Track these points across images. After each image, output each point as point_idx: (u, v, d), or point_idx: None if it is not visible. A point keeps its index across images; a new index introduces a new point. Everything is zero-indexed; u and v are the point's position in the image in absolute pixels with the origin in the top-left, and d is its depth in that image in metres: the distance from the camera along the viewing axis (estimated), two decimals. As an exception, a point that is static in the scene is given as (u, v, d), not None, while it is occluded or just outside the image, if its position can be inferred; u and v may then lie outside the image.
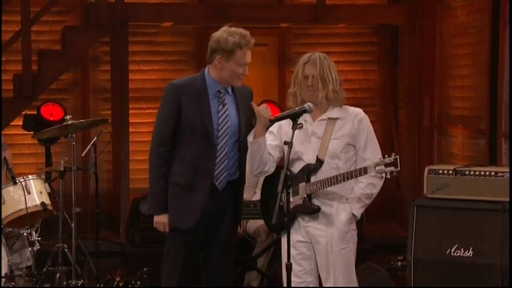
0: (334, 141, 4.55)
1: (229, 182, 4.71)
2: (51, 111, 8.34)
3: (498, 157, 7.45)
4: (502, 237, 5.68)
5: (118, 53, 8.64)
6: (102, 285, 6.51)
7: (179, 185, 4.66)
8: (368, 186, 4.56)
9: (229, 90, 4.75)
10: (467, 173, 5.88)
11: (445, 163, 7.88)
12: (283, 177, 4.62)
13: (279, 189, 4.55)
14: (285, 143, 4.65)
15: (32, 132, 7.83)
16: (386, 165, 4.41)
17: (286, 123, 4.63)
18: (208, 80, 4.70)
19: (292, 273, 4.49)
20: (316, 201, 4.59)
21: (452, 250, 5.82)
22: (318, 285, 4.65)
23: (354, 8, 9.16)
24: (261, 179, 6.51)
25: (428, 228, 5.82)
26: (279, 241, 6.31)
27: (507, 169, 5.90)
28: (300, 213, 4.63)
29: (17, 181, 6.08)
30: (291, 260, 4.44)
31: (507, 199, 5.72)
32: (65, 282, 6.34)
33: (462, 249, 5.80)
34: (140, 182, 8.79)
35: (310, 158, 4.60)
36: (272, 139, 4.68)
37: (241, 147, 4.71)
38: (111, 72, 8.91)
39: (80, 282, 6.38)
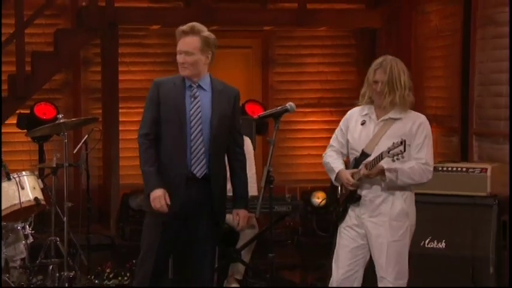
0: (387, 140, 4.51)
1: (204, 176, 4.66)
2: (44, 111, 8.32)
3: (469, 154, 7.51)
4: (473, 230, 5.72)
5: (108, 54, 8.62)
6: (93, 277, 6.50)
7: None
8: (414, 170, 4.53)
9: (206, 86, 4.71)
10: (440, 168, 5.93)
11: (419, 160, 7.92)
12: (265, 173, 4.66)
13: (262, 183, 4.59)
14: (268, 140, 4.70)
15: (25, 131, 7.80)
16: (396, 148, 4.41)
17: (353, 120, 4.70)
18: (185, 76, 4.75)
19: (343, 257, 4.65)
20: (369, 194, 4.60)
21: (426, 242, 5.86)
22: (361, 277, 4.68)
23: (333, 12, 9.18)
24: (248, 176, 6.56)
25: (403, 221, 5.86)
26: (261, 235, 6.34)
27: (478, 165, 5.97)
28: (349, 204, 4.67)
29: (11, 177, 6.07)
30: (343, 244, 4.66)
31: (478, 193, 5.77)
32: (57, 274, 6.32)
33: (435, 242, 5.84)
34: (130, 178, 8.79)
35: None
36: (341, 136, 4.77)
37: (213, 145, 4.65)
38: (101, 73, 8.90)
39: (72, 273, 6.36)
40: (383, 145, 4.53)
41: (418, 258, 5.79)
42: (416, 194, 5.54)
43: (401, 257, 4.60)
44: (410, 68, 9.20)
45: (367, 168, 4.51)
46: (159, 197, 4.57)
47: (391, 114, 4.61)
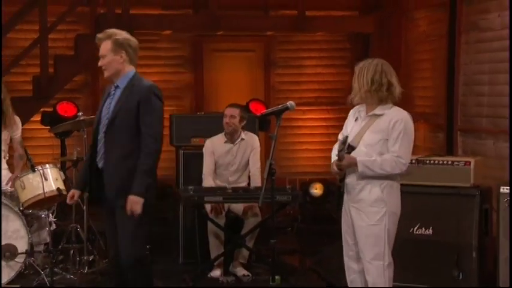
0: (370, 134, 4.58)
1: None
2: (65, 109, 8.32)
3: (454, 148, 7.51)
4: (458, 218, 5.72)
5: (124, 57, 8.60)
6: (110, 260, 6.51)
7: None
8: (387, 162, 4.54)
9: (122, 85, 4.68)
10: (427, 162, 5.92)
11: (408, 154, 7.93)
12: (267, 166, 4.66)
13: (265, 175, 4.59)
14: (270, 136, 4.71)
15: (49, 127, 7.81)
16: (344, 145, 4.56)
17: (351, 117, 4.75)
18: None
19: (343, 240, 4.71)
20: (352, 182, 4.62)
21: (415, 229, 5.86)
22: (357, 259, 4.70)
23: (330, 18, 9.17)
24: (254, 169, 6.58)
25: (394, 210, 5.86)
26: (264, 222, 6.35)
27: (462, 159, 5.96)
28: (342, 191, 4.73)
29: (36, 169, 6.08)
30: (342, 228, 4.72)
31: (462, 184, 5.77)
32: (78, 258, 6.35)
33: (423, 228, 5.84)
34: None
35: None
36: (344, 131, 4.78)
37: (107, 137, 4.60)
38: (117, 75, 8.89)
39: (91, 257, 6.39)
40: (367, 139, 4.58)
41: (407, 243, 5.80)
42: (405, 185, 5.55)
43: (379, 240, 4.59)
44: (400, 70, 9.31)
45: (339, 160, 4.56)
46: (68, 197, 4.82)
47: (376, 111, 4.64)
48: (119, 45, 4.67)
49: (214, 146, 6.58)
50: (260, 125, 7.59)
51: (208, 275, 6.31)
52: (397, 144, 4.56)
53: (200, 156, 6.61)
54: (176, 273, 6.43)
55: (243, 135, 6.58)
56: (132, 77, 4.70)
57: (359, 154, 4.57)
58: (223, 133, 6.61)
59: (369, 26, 9.06)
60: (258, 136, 6.91)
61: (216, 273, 6.34)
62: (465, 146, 7.43)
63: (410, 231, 5.83)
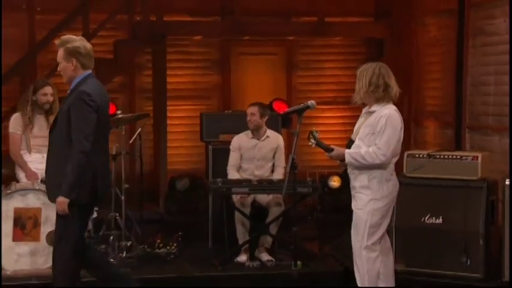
0: (363, 128, 4.74)
1: None
2: (105, 108, 8.35)
3: (462, 144, 7.45)
4: (466, 208, 5.69)
5: (158, 61, 8.65)
6: (146, 246, 6.55)
7: None
8: (368, 153, 4.66)
9: (72, 89, 4.63)
10: (438, 156, 5.89)
11: (420, 149, 7.88)
12: (290, 160, 4.67)
13: (287, 169, 4.61)
14: (292, 132, 4.76)
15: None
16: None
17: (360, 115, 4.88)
18: None
19: None
20: (350, 172, 4.80)
21: (426, 218, 5.83)
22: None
23: (347, 24, 9.13)
24: (278, 167, 6.59)
25: (407, 201, 5.84)
26: (286, 211, 6.35)
27: (470, 154, 5.92)
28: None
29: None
30: None
31: (470, 177, 5.74)
32: (116, 243, 6.38)
33: (434, 218, 5.81)
34: (176, 164, 8.84)
35: None
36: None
37: (50, 137, 4.61)
38: (152, 76, 8.94)
39: (129, 243, 6.42)
40: (360, 133, 4.72)
41: (419, 231, 5.78)
42: (417, 177, 5.55)
43: (362, 223, 4.69)
44: (412, 72, 9.27)
45: (327, 152, 4.74)
46: None
47: (371, 109, 4.76)
48: (69, 53, 4.61)
49: (241, 142, 6.59)
50: (283, 122, 7.59)
51: (235, 260, 6.32)
52: (378, 137, 4.67)
53: (228, 151, 6.62)
54: (205, 257, 6.45)
55: (268, 132, 6.59)
56: (79, 82, 4.61)
57: (354, 146, 4.72)
58: (249, 130, 6.62)
59: (383, 31, 9.01)
60: (281, 133, 6.91)
61: (243, 258, 6.35)
62: (472, 142, 7.37)
63: (422, 220, 5.81)
